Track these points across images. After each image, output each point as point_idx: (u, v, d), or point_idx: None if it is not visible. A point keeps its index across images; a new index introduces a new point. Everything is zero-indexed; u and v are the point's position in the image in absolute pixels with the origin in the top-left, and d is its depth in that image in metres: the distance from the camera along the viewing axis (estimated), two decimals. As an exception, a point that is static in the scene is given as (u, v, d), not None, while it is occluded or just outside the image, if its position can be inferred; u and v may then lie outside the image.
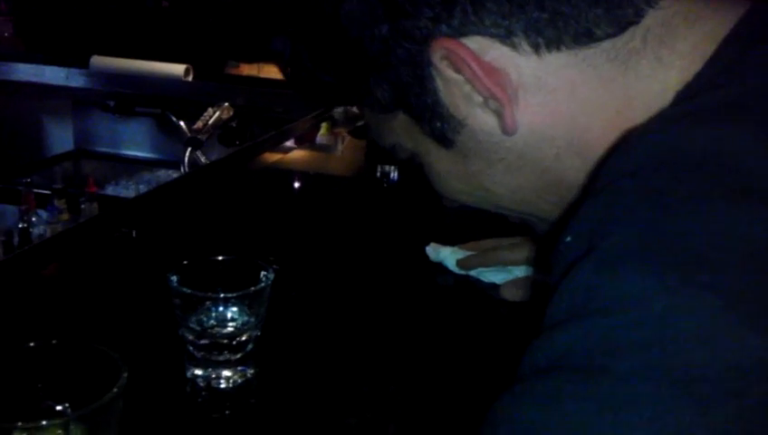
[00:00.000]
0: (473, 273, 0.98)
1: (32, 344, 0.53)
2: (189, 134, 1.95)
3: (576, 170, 0.55)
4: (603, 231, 0.40)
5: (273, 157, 1.68)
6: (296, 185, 1.54)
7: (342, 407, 0.69)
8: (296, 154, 1.78)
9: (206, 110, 1.97)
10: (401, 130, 0.61)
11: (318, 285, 0.93)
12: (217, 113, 1.96)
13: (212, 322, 0.70)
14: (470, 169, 0.59)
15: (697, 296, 0.35)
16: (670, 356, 0.34)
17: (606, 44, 0.51)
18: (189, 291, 0.66)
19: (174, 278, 0.68)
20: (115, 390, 0.48)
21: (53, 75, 2.23)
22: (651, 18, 0.51)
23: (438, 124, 0.57)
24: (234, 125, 2.06)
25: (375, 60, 0.55)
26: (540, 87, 0.53)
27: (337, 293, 0.91)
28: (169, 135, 2.20)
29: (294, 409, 0.68)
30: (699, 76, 0.49)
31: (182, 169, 1.93)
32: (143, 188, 2.13)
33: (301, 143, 1.87)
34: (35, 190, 1.90)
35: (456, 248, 1.01)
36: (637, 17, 0.50)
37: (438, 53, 0.52)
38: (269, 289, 0.69)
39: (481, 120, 0.55)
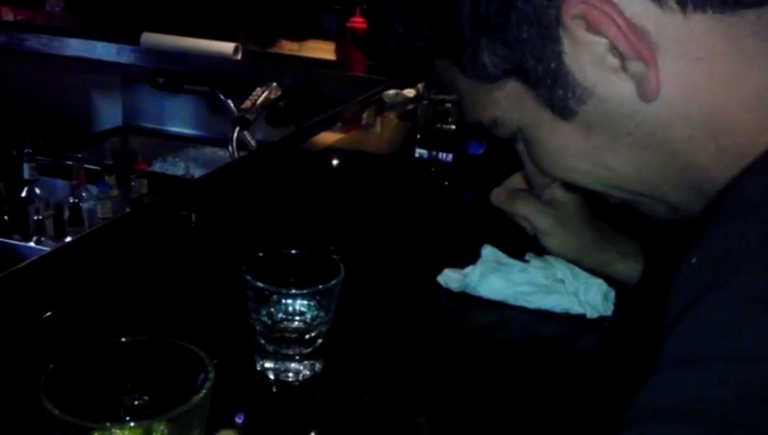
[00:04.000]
0: (513, 299, 0.86)
1: (117, 340, 0.53)
2: (237, 113, 1.95)
3: (708, 156, 0.51)
4: (738, 265, 0.38)
5: (322, 138, 1.68)
6: (346, 167, 1.54)
7: (411, 405, 0.69)
8: (344, 136, 1.78)
9: (254, 89, 1.98)
10: (508, 102, 0.56)
11: (379, 275, 0.93)
12: (266, 93, 1.96)
13: (281, 315, 0.70)
14: (591, 143, 0.54)
15: None
16: None
17: (751, 15, 0.47)
18: (263, 285, 0.67)
19: (247, 271, 0.68)
20: (204, 391, 0.48)
21: (104, 51, 2.25)
22: None
23: (560, 92, 0.52)
24: (281, 105, 2.06)
25: (489, 19, 0.50)
26: (682, 53, 0.48)
27: (400, 283, 0.91)
28: (217, 113, 2.22)
29: (362, 404, 0.68)
30: None
31: (230, 148, 1.93)
32: (191, 166, 2.15)
33: (348, 125, 1.86)
34: (86, 166, 1.93)
35: (480, 267, 0.88)
36: None
37: (574, 9, 0.47)
38: (340, 286, 0.69)
39: (613, 87, 0.50)
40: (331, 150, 1.60)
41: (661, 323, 0.42)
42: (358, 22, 2.25)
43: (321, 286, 0.68)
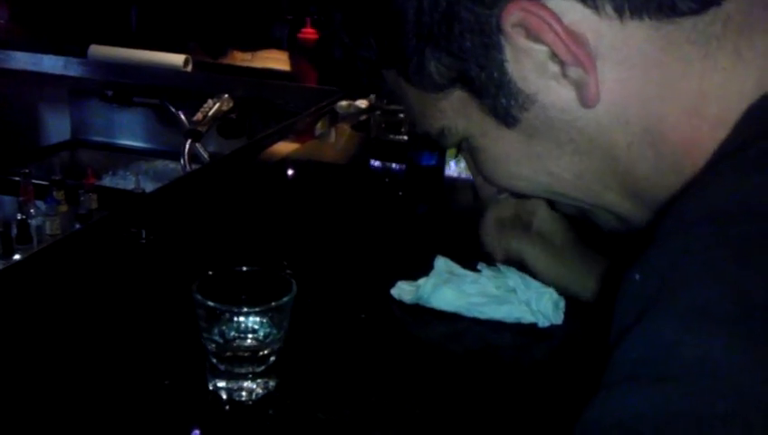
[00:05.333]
0: (467, 311, 0.86)
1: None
2: (189, 125, 1.93)
3: (647, 164, 0.51)
4: (681, 279, 0.38)
5: (275, 150, 1.67)
6: (300, 179, 1.53)
7: (366, 421, 0.69)
8: (297, 147, 1.77)
9: (205, 101, 1.96)
10: (454, 111, 0.56)
11: (333, 289, 0.92)
12: (217, 105, 1.95)
13: (233, 333, 0.69)
14: (534, 150, 0.55)
15: None
16: None
17: (688, 23, 0.47)
18: (213, 304, 0.66)
19: (197, 290, 0.67)
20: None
21: (51, 64, 2.21)
22: (732, 4, 0.47)
23: (504, 100, 0.52)
24: (233, 117, 2.05)
25: (432, 29, 0.51)
26: (619, 60, 0.48)
27: (354, 296, 0.91)
28: (168, 126, 2.19)
29: (316, 421, 0.68)
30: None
31: (181, 161, 1.91)
32: (142, 179, 2.12)
33: (301, 136, 1.86)
34: (34, 181, 1.89)
35: (433, 278, 0.88)
36: None
37: (513, 16, 0.48)
38: (292, 302, 0.69)
39: (555, 94, 0.51)
40: (286, 162, 1.59)
41: (608, 339, 0.42)
42: (309, 32, 2.25)
43: (273, 303, 0.68)
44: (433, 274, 0.89)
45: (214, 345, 0.68)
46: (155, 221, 1.11)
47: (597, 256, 0.90)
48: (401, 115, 1.79)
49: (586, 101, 0.50)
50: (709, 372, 0.35)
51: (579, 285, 0.89)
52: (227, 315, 0.69)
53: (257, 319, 0.69)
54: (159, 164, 2.23)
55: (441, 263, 0.91)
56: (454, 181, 1.41)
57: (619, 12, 0.47)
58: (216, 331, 0.68)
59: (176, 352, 0.75)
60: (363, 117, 1.89)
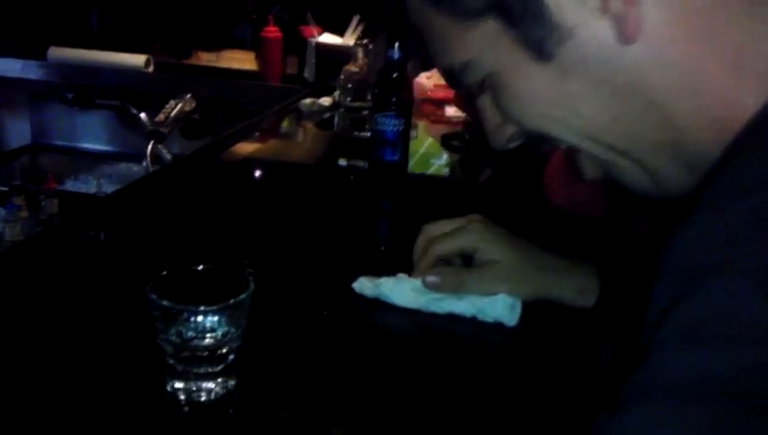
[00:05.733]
0: (426, 306, 0.85)
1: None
2: (151, 127, 1.91)
3: (686, 114, 0.50)
4: (741, 244, 0.38)
5: (239, 149, 1.65)
6: (264, 177, 1.52)
7: (327, 418, 0.68)
8: (261, 145, 1.76)
9: (167, 102, 1.94)
10: (483, 43, 0.53)
11: (295, 286, 0.92)
12: (179, 105, 1.93)
13: (191, 333, 0.68)
14: (566, 90, 0.52)
15: None
16: None
17: None
18: (169, 304, 0.65)
19: (152, 290, 0.66)
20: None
21: (9, 67, 2.18)
22: None
23: (540, 32, 0.50)
24: (197, 117, 2.03)
25: None
26: (665, 1, 0.48)
27: (316, 293, 0.90)
28: (130, 128, 2.16)
29: (277, 420, 0.67)
30: None
31: (144, 163, 1.89)
32: (104, 183, 2.09)
33: (265, 135, 1.84)
34: (-7, 187, 1.85)
35: (401, 277, 0.88)
36: None
37: None
38: (249, 299, 0.68)
39: (593, 29, 0.49)
40: (249, 160, 1.58)
41: (640, 306, 0.42)
42: (272, 30, 2.23)
43: (230, 301, 0.67)
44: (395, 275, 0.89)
45: (171, 346, 0.67)
46: (114, 223, 1.09)
47: (560, 264, 0.87)
48: (365, 112, 1.79)
49: (625, 36, 0.48)
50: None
51: (541, 294, 0.86)
52: (184, 315, 0.68)
53: (215, 318, 0.68)
54: (122, 167, 2.20)
55: (361, 286, 0.89)
56: (417, 176, 1.41)
57: None
58: (172, 331, 0.67)
59: (133, 354, 0.73)
60: (327, 115, 1.89)
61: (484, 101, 0.60)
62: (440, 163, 1.55)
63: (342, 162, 1.48)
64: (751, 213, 0.39)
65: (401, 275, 0.88)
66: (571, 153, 0.59)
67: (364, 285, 0.88)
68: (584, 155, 0.57)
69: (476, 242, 0.87)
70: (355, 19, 2.08)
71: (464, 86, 0.59)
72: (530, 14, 0.50)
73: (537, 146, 0.60)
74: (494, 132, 0.62)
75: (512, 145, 0.61)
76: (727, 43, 0.47)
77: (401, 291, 0.86)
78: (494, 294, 0.84)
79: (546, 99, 0.54)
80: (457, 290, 0.85)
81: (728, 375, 0.36)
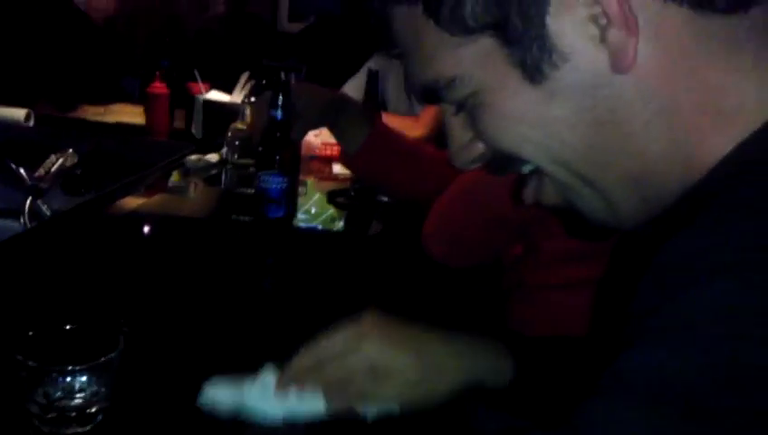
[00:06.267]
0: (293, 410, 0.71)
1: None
2: (30, 182, 1.86)
3: (660, 147, 0.52)
4: (710, 271, 0.41)
5: (124, 204, 1.63)
6: (149, 233, 1.50)
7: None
8: (148, 200, 1.74)
9: (48, 156, 1.90)
10: (474, 60, 0.53)
11: (167, 347, 0.91)
12: (60, 160, 1.89)
13: (59, 393, 0.67)
14: (552, 113, 0.53)
15: None
16: None
17: (718, 20, 0.49)
18: (35, 364, 0.64)
19: (18, 350, 0.65)
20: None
21: None
22: (757, 13, 0.50)
23: (536, 53, 0.51)
24: (78, 172, 1.98)
25: None
26: (653, 36, 0.49)
27: (186, 353, 0.90)
28: (8, 183, 2.09)
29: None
30: None
31: (21, 220, 1.83)
32: (-21, 240, 2.00)
33: (151, 190, 1.83)
34: None
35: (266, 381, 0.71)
36: (749, 5, 0.49)
37: None
38: (119, 358, 0.68)
39: (589, 55, 0.50)
40: (134, 215, 1.56)
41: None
42: (159, 87, 2.23)
43: (99, 360, 0.66)
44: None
45: (37, 407, 0.66)
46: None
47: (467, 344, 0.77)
48: (252, 169, 1.80)
49: (620, 66, 0.49)
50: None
51: (472, 377, 0.75)
52: (52, 375, 0.66)
53: (83, 377, 0.67)
54: (-1, 223, 2.12)
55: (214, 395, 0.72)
56: (303, 232, 1.44)
57: None
58: (39, 392, 0.66)
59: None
60: (214, 171, 1.89)
61: (456, 119, 0.60)
62: (325, 217, 1.58)
63: (230, 217, 1.49)
64: (724, 244, 0.43)
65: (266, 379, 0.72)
66: (527, 177, 0.60)
67: (214, 394, 0.71)
68: (548, 180, 0.58)
69: (374, 360, 0.72)
70: (243, 77, 2.10)
71: (443, 102, 0.58)
72: (530, 35, 0.50)
73: (499, 168, 0.60)
74: (460, 151, 0.61)
75: (474, 166, 0.61)
76: (706, 84, 0.50)
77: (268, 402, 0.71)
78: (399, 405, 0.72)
79: (529, 120, 0.54)
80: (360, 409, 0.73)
81: (683, 377, 0.40)
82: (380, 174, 1.39)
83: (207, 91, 2.13)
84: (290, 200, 1.32)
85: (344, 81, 2.43)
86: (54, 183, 1.86)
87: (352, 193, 1.71)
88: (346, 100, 1.43)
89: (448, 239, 1.22)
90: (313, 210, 1.63)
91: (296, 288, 0.93)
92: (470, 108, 0.56)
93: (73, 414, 0.66)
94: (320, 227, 1.58)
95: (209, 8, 5.36)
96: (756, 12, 0.50)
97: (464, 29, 0.52)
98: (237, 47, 4.29)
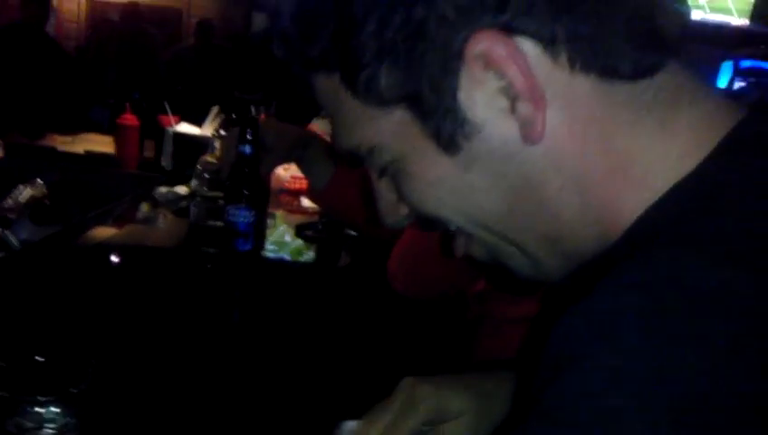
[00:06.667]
0: None
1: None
2: (-2, 212, 1.86)
3: (573, 211, 0.54)
4: (613, 335, 0.43)
5: (93, 235, 1.65)
6: (119, 264, 1.52)
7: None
8: (118, 232, 1.75)
9: (16, 187, 1.90)
10: (391, 131, 0.55)
11: (138, 377, 0.93)
12: (29, 190, 1.90)
13: (31, 424, 0.69)
14: (468, 180, 0.54)
15: None
16: None
17: (624, 87, 0.51)
18: (7, 395, 0.66)
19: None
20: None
21: None
22: (663, 76, 0.52)
23: (449, 126, 0.52)
24: (47, 202, 1.99)
25: (395, 44, 0.51)
26: (563, 107, 0.51)
27: (156, 386, 0.92)
28: (-25, 212, 2.08)
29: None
30: (699, 176, 0.50)
31: (-12, 250, 1.83)
32: (-57, 269, 1.99)
33: (120, 221, 1.84)
34: None
35: None
36: (655, 69, 0.51)
37: (480, 45, 0.49)
38: (87, 389, 0.70)
39: (500, 127, 0.52)
40: (102, 247, 1.57)
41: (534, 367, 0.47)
42: (129, 119, 2.25)
43: (70, 391, 0.69)
44: None
45: (7, 438, 0.67)
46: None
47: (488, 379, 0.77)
48: (221, 202, 1.82)
49: (530, 137, 0.51)
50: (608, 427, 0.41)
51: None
52: (23, 406, 0.68)
53: (55, 408, 0.69)
54: (-36, 252, 2.11)
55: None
56: (271, 263, 1.46)
57: (572, 62, 0.50)
58: (11, 423, 0.68)
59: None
60: (183, 203, 1.91)
61: (382, 182, 0.61)
62: (293, 248, 1.61)
63: (198, 249, 1.51)
64: (614, 313, 0.44)
65: None
66: (456, 233, 0.61)
67: None
68: (473, 239, 0.60)
69: (432, 412, 0.71)
70: (213, 110, 2.13)
71: (365, 166, 0.60)
72: (442, 108, 0.52)
73: (428, 226, 0.61)
74: (388, 212, 0.63)
75: (403, 224, 0.63)
76: (615, 150, 0.52)
77: None
78: None
79: (447, 188, 0.56)
80: None
81: None
82: (347, 210, 1.42)
83: (177, 123, 2.16)
84: (258, 234, 1.35)
85: (312, 116, 2.47)
86: (23, 213, 1.87)
87: (320, 226, 1.74)
88: (313, 136, 1.47)
89: (410, 274, 1.25)
90: (283, 239, 1.66)
91: (264, 320, 0.96)
92: (391, 173, 0.58)
93: (43, 444, 0.68)
94: (287, 257, 1.61)
95: (180, 39, 5.39)
96: (662, 76, 0.52)
97: (379, 101, 0.54)
98: (207, 79, 4.33)
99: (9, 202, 1.86)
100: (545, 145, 0.52)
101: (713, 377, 0.40)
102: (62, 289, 1.21)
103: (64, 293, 1.19)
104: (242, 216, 1.28)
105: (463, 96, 0.51)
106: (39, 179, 1.91)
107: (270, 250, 1.63)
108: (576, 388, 0.43)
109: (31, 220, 1.99)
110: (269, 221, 1.65)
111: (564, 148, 0.52)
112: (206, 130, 2.11)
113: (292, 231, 1.72)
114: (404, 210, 0.62)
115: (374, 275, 1.38)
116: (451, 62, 0.51)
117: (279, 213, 1.81)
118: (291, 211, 1.89)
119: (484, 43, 0.49)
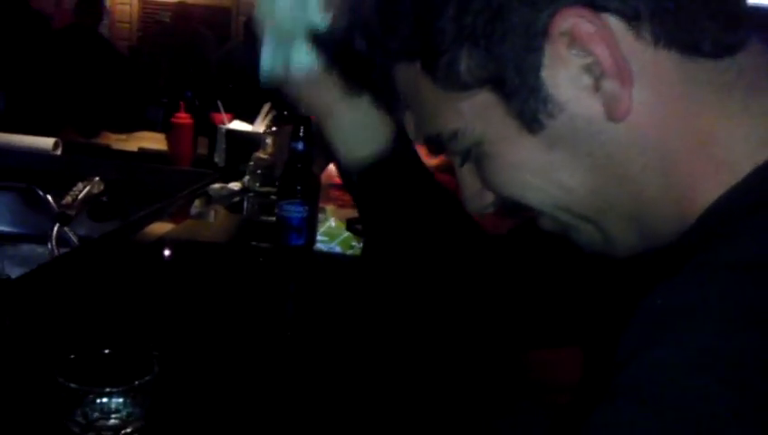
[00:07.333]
0: None
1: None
2: (57, 209, 1.91)
3: (655, 190, 0.53)
4: (695, 318, 0.43)
5: (149, 231, 1.68)
6: (175, 258, 1.55)
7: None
8: (175, 227, 1.79)
9: (75, 184, 1.95)
10: (474, 113, 0.55)
11: (200, 369, 0.95)
12: (87, 188, 1.94)
13: (97, 414, 0.71)
14: (551, 160, 0.54)
15: None
16: None
17: (707, 65, 0.51)
18: (75, 386, 0.68)
19: (59, 373, 0.69)
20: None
21: None
22: (745, 57, 0.51)
23: (533, 105, 0.52)
24: (104, 199, 2.04)
25: (475, 27, 0.51)
26: (647, 84, 0.51)
27: (218, 378, 0.94)
28: (36, 210, 2.15)
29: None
30: None
31: (49, 245, 1.88)
32: (8, 265, 2.06)
33: (176, 217, 1.88)
34: None
35: None
36: (736, 49, 0.51)
37: (566, 22, 0.49)
38: (153, 381, 0.72)
39: (584, 104, 0.51)
40: (160, 243, 1.60)
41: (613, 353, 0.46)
42: (183, 117, 2.29)
43: (135, 383, 0.71)
44: None
45: (77, 427, 0.70)
46: (20, 308, 1.10)
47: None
48: (273, 197, 1.85)
49: (615, 115, 0.51)
50: (695, 413, 0.40)
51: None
52: (90, 397, 0.71)
53: (119, 399, 0.71)
54: (26, 249, 2.17)
55: None
56: (323, 258, 1.47)
57: (656, 38, 0.50)
58: (78, 413, 0.70)
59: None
60: (236, 199, 1.94)
61: (465, 167, 0.61)
62: (343, 239, 1.63)
63: (252, 244, 1.53)
64: (703, 294, 0.44)
65: None
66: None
67: None
68: (546, 215, 0.59)
69: None
70: (265, 107, 2.16)
71: (448, 153, 0.60)
72: (525, 88, 0.52)
73: (512, 212, 0.61)
74: (473, 199, 0.63)
75: (488, 211, 0.62)
76: (698, 130, 0.51)
77: None
78: None
79: (530, 168, 0.55)
80: None
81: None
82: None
83: (230, 121, 2.19)
84: (310, 229, 1.37)
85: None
86: (81, 210, 1.92)
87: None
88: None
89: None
90: (331, 229, 1.68)
91: (318, 313, 0.97)
92: (474, 158, 0.58)
93: (110, 434, 0.70)
94: (338, 248, 1.63)
95: (230, 38, 5.45)
96: (743, 57, 0.51)
97: (460, 85, 0.54)
98: (257, 77, 4.36)
99: (68, 199, 1.91)
100: (629, 123, 0.51)
101: None
102: (123, 284, 1.24)
103: (125, 287, 1.22)
104: (295, 211, 1.30)
105: (546, 74, 0.51)
106: (97, 177, 1.95)
107: (320, 241, 1.64)
108: (663, 364, 0.42)
109: (89, 217, 2.05)
110: (319, 216, 1.66)
111: (648, 125, 0.51)
112: (257, 127, 2.14)
113: (342, 225, 1.74)
114: (489, 198, 0.61)
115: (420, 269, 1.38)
116: (534, 41, 0.50)
117: (329, 207, 1.82)
118: (341, 206, 1.90)
119: (571, 21, 0.49)
